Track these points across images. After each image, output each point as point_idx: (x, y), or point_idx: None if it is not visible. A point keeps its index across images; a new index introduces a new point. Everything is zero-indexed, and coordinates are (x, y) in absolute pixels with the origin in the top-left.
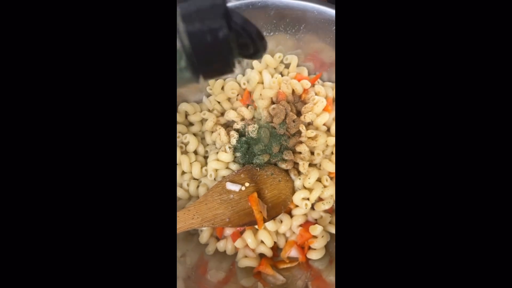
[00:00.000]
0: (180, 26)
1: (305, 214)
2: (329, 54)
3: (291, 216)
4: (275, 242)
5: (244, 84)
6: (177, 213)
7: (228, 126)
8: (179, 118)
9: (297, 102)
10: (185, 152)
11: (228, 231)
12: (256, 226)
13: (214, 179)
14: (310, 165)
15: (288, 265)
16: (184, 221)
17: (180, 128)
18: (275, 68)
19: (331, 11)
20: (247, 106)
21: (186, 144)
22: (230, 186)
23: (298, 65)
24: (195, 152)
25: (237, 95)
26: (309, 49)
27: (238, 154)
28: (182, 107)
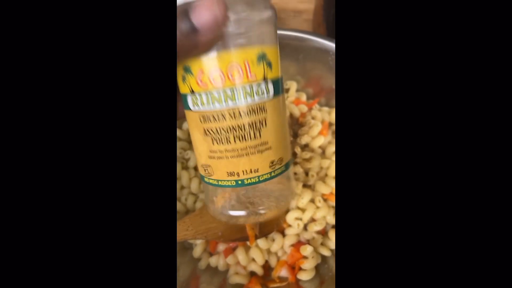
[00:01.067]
0: None
1: (298, 234)
2: (327, 81)
3: (284, 235)
4: (266, 261)
5: None
6: None
7: None
8: (183, 135)
9: (295, 125)
10: (185, 168)
11: (221, 246)
12: (248, 242)
13: None
14: (304, 185)
15: (278, 285)
16: (178, 232)
17: (182, 145)
18: None
19: (327, 43)
20: None
21: (187, 160)
22: None
23: (297, 90)
24: (195, 168)
25: None
26: (308, 76)
27: None
28: (186, 125)
